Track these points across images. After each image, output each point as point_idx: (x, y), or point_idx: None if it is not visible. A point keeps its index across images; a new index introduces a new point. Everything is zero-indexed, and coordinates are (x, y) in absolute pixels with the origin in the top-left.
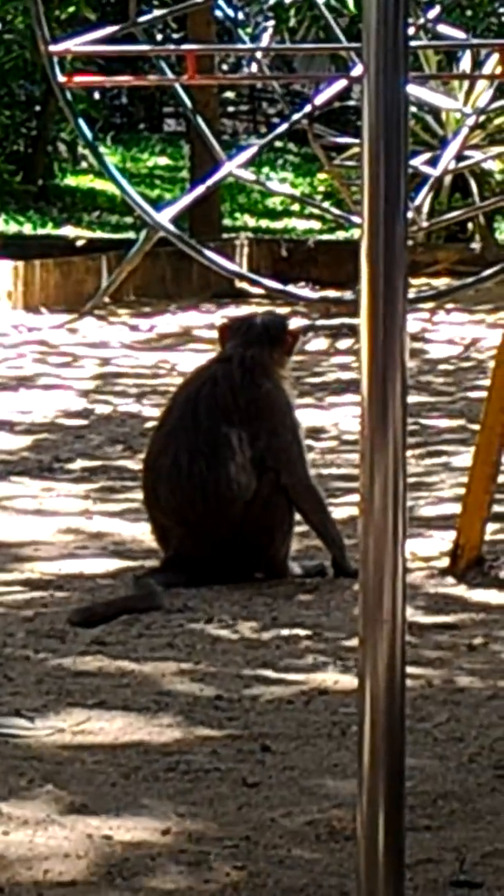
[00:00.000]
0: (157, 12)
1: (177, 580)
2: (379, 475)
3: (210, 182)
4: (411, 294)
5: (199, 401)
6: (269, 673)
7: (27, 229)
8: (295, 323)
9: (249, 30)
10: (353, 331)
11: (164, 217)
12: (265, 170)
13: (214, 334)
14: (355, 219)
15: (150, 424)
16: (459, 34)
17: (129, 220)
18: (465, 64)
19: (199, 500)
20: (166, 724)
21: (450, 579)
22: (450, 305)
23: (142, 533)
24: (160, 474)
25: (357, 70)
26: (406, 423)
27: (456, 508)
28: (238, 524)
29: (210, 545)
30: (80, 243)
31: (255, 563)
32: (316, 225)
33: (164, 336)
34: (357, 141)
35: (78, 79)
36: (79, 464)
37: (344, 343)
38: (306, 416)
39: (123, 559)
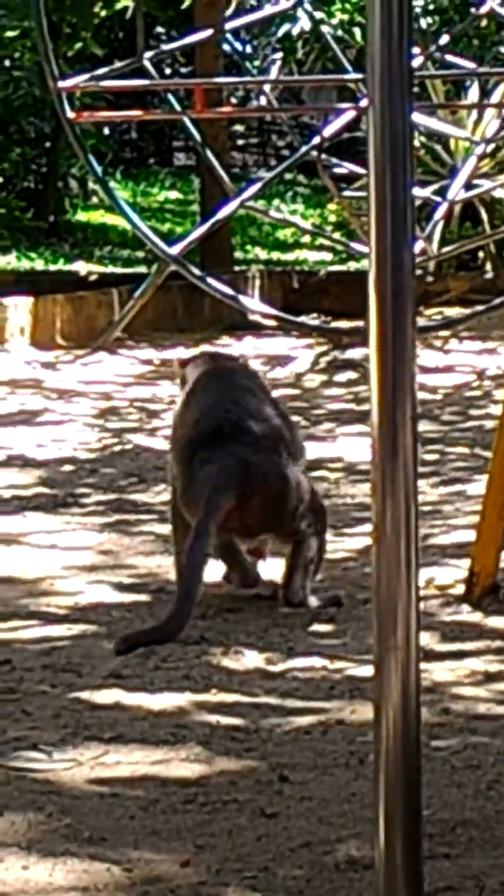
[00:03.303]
0: (164, 47)
1: None
2: (391, 503)
3: (221, 215)
4: (423, 323)
5: None
6: (286, 703)
7: (39, 265)
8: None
9: (258, 62)
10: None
11: (176, 251)
12: (275, 202)
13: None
14: (365, 249)
15: (164, 458)
16: (467, 64)
17: (140, 254)
18: (474, 93)
19: None
20: (184, 756)
21: (465, 607)
22: (463, 334)
23: (157, 566)
24: None
25: (365, 101)
26: (417, 451)
27: (471, 536)
28: None
29: None
30: (91, 278)
31: None
32: (327, 256)
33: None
34: (366, 172)
35: (87, 114)
36: (93, 498)
37: (350, 374)
38: (314, 447)
39: (139, 593)
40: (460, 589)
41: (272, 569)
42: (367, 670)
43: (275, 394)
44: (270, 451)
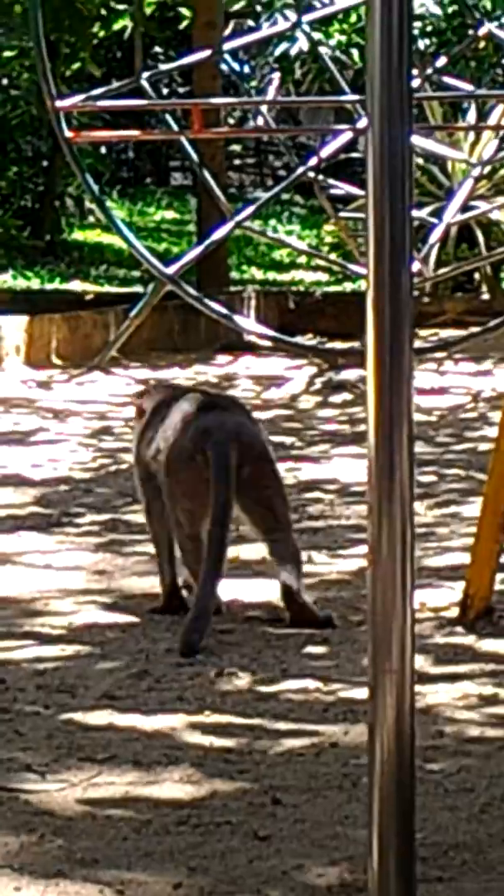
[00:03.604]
0: (162, 67)
1: None
2: (387, 525)
3: (217, 236)
4: (419, 344)
5: None
6: (280, 725)
7: (35, 284)
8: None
9: (255, 83)
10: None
11: (172, 270)
12: (272, 222)
13: (225, 385)
14: (361, 270)
15: None
16: (465, 86)
17: (136, 273)
18: (471, 115)
19: None
20: (177, 777)
21: (459, 629)
22: (458, 355)
23: (151, 586)
24: None
25: (362, 122)
26: (413, 474)
27: (465, 558)
28: None
29: None
30: (88, 297)
31: None
32: (323, 277)
33: None
34: (363, 192)
35: (85, 134)
36: (88, 518)
37: (344, 395)
38: (309, 468)
39: (133, 614)
40: (454, 611)
41: (270, 591)
42: (361, 692)
43: (269, 414)
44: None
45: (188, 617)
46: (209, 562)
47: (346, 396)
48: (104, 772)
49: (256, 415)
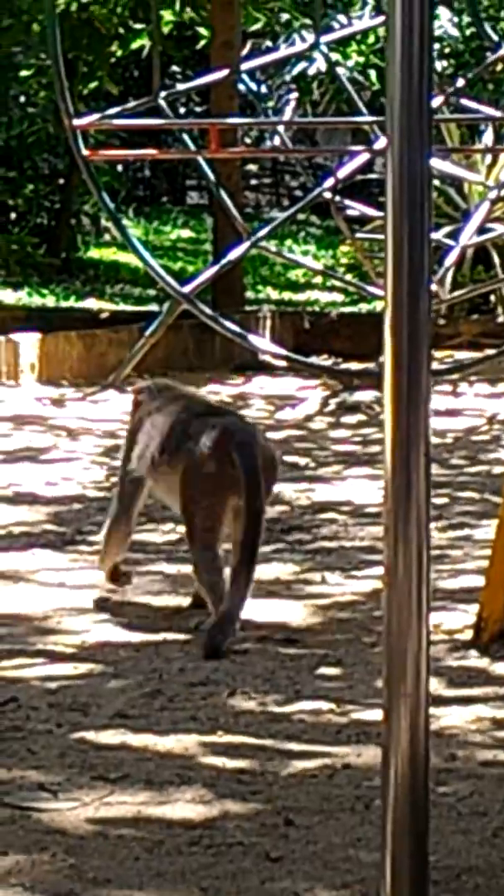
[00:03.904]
0: (180, 86)
1: None
2: (402, 548)
3: (233, 255)
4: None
5: None
6: (293, 746)
7: (50, 302)
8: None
9: (272, 103)
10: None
11: (188, 289)
12: (288, 242)
13: (239, 405)
14: (377, 291)
15: None
16: (482, 108)
17: (151, 292)
18: (488, 137)
19: None
20: (189, 797)
21: (473, 652)
22: (473, 377)
23: (164, 605)
24: None
25: (379, 143)
26: (430, 496)
27: (479, 581)
28: None
29: None
30: (103, 316)
31: None
32: (338, 297)
33: None
34: (379, 213)
35: (102, 152)
36: (101, 536)
37: (358, 416)
38: (322, 489)
39: (146, 632)
40: (468, 634)
41: (284, 611)
42: (374, 714)
43: (282, 434)
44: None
45: (215, 619)
46: (243, 568)
47: (360, 417)
48: (116, 791)
49: (270, 435)
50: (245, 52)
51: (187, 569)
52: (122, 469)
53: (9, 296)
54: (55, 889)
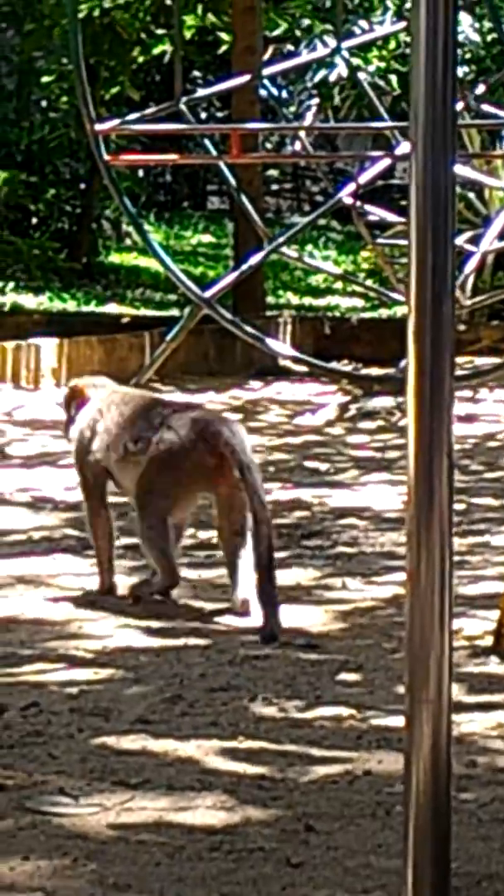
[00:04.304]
0: (201, 91)
1: None
2: (426, 554)
3: (254, 261)
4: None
5: None
6: (313, 752)
7: (71, 307)
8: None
9: (293, 108)
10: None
11: (208, 294)
12: (308, 247)
13: (259, 410)
14: (398, 296)
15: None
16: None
17: (172, 297)
18: None
19: None
20: (210, 803)
21: (493, 658)
22: (492, 383)
23: (185, 611)
24: None
25: (400, 149)
26: (452, 501)
27: (499, 587)
28: None
29: None
30: (124, 320)
31: None
32: (359, 303)
33: None
34: (400, 219)
35: (123, 157)
36: (122, 541)
37: (377, 422)
38: (340, 494)
39: (167, 637)
40: (488, 640)
41: (304, 617)
42: (395, 720)
43: (300, 440)
44: None
45: (263, 611)
46: (265, 557)
47: (379, 423)
48: (137, 796)
49: (289, 440)
50: (266, 57)
51: (208, 574)
52: (81, 461)
53: (30, 300)
54: (76, 894)
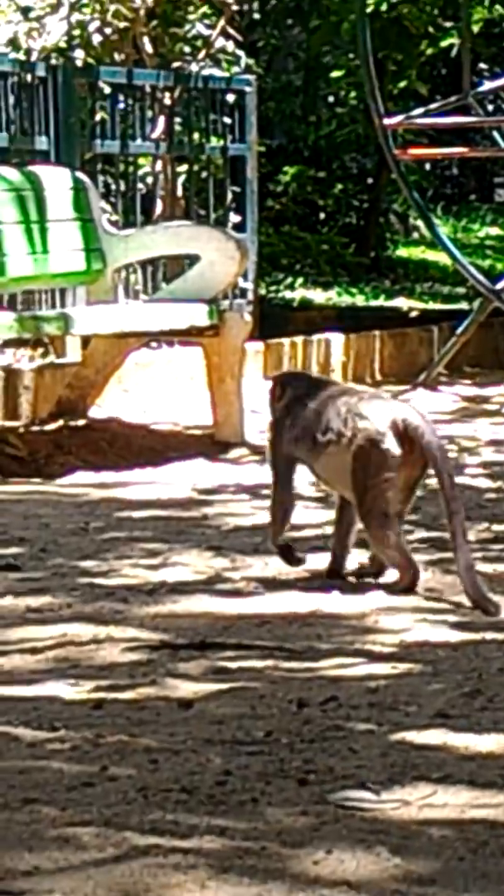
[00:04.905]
0: (488, 84)
1: None
2: None
3: None
4: None
5: None
6: None
7: (360, 301)
8: None
9: None
10: None
11: (498, 287)
12: None
13: None
14: None
15: (490, 495)
16: None
17: (461, 290)
18: None
19: None
20: None
21: None
22: None
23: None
24: None
25: None
26: None
27: None
28: None
29: None
30: (413, 314)
31: None
32: None
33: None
34: None
35: (412, 151)
36: (416, 535)
37: None
38: None
39: (464, 631)
40: None
41: None
42: None
43: None
44: None
45: (472, 588)
46: (460, 533)
47: None
48: (439, 791)
49: None
50: None
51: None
52: (274, 454)
53: (319, 295)
54: (380, 888)
